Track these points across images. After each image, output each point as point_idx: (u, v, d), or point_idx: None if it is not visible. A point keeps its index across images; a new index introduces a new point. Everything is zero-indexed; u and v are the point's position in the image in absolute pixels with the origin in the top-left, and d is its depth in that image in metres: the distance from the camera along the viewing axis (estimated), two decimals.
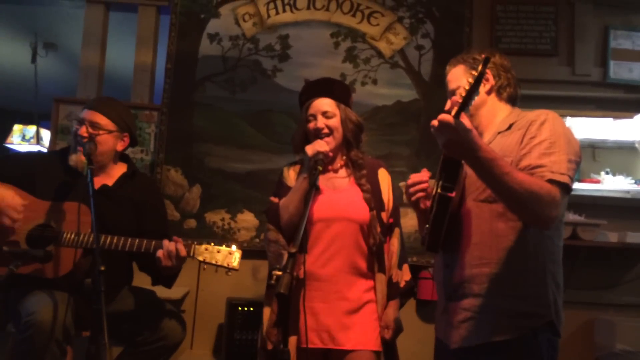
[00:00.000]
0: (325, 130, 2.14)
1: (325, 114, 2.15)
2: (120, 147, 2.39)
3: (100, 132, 2.30)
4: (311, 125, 2.17)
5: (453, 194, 1.59)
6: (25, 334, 1.99)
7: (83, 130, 2.26)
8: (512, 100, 1.85)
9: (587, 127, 3.89)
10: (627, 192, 3.73)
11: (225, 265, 2.13)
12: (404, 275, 2.16)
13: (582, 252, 3.18)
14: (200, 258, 2.12)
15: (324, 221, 2.10)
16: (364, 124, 2.24)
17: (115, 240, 2.13)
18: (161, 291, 2.52)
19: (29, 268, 2.05)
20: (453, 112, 1.46)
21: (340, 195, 2.15)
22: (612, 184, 3.79)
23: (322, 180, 2.17)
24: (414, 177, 1.78)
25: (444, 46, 3.44)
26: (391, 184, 2.25)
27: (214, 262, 2.12)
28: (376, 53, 3.45)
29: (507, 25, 3.58)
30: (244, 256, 3.28)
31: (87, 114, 2.31)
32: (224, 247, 2.15)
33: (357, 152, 2.21)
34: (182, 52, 3.43)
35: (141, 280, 2.53)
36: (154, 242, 2.13)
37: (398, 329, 2.10)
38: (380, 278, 2.12)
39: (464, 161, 1.59)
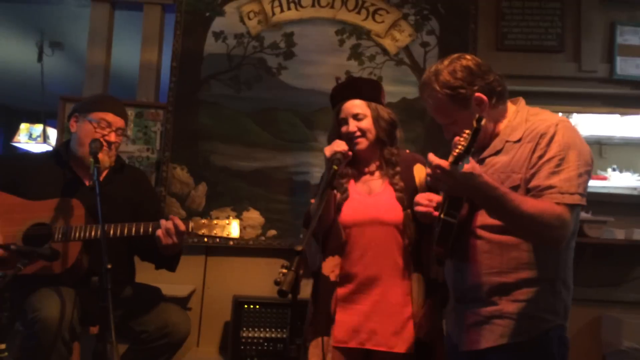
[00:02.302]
0: (358, 133, 2.13)
1: (356, 117, 2.14)
2: None
3: (120, 137, 2.39)
4: (344, 129, 2.15)
5: (456, 221, 1.61)
6: (31, 330, 2.02)
7: (113, 137, 2.32)
8: (505, 98, 1.78)
9: (593, 124, 3.88)
10: (634, 188, 3.72)
11: (225, 235, 2.16)
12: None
13: (588, 249, 3.17)
14: (200, 232, 2.15)
15: (358, 226, 2.10)
16: (397, 120, 2.22)
17: (112, 228, 2.15)
18: (167, 289, 2.54)
19: (35, 266, 2.07)
20: (450, 159, 1.46)
21: (374, 199, 2.14)
22: (619, 180, 3.78)
23: (359, 185, 2.19)
24: (421, 207, 1.83)
25: (450, 43, 3.43)
26: (426, 178, 2.21)
27: (213, 234, 2.15)
28: (381, 50, 3.45)
29: (512, 22, 3.56)
30: (251, 254, 3.32)
31: (116, 121, 2.35)
32: (220, 220, 2.18)
33: (390, 150, 2.18)
34: (188, 50, 3.43)
35: (147, 278, 2.54)
36: (151, 224, 2.15)
37: (435, 327, 2.07)
38: (417, 277, 2.09)
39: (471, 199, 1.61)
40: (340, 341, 2.05)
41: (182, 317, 2.37)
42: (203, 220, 2.17)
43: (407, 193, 2.12)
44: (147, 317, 2.30)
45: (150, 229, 2.15)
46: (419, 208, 1.83)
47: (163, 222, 2.12)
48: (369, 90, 2.21)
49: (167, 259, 2.31)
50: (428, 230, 2.13)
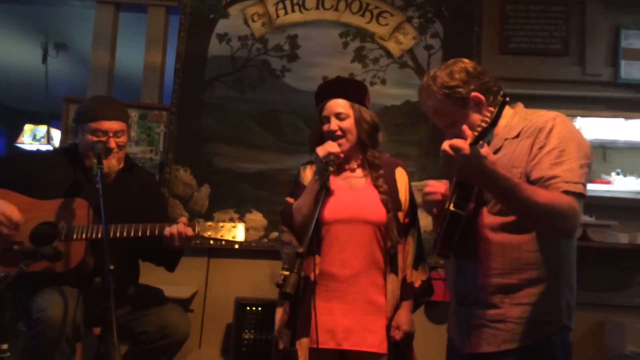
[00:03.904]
0: (339, 133, 2.13)
1: (338, 116, 2.14)
2: None
3: (123, 137, 2.38)
4: (325, 127, 2.16)
5: (464, 213, 1.60)
6: (35, 330, 2.03)
7: (112, 143, 2.31)
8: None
9: (597, 128, 3.86)
10: (638, 192, 3.70)
11: (231, 238, 2.17)
12: (421, 275, 2.13)
13: (592, 253, 3.16)
14: (206, 234, 2.16)
15: (340, 222, 2.10)
16: (379, 124, 2.22)
17: (119, 229, 2.16)
18: (170, 291, 2.53)
19: (38, 266, 2.07)
20: (469, 140, 1.46)
21: (356, 195, 2.14)
22: (622, 184, 3.76)
23: (339, 180, 2.18)
24: (432, 187, 1.79)
25: (454, 46, 3.43)
26: (408, 183, 2.22)
27: (219, 236, 2.16)
28: (385, 53, 3.45)
29: (517, 25, 3.56)
30: (253, 256, 3.32)
31: (111, 126, 2.33)
32: (227, 222, 2.19)
33: (373, 152, 2.19)
34: (192, 52, 3.44)
35: (150, 280, 2.54)
36: (157, 226, 2.17)
37: (409, 330, 2.08)
38: (392, 278, 2.11)
39: (482, 187, 1.60)
40: (316, 341, 2.01)
41: (182, 318, 2.37)
42: (209, 223, 2.18)
43: (390, 196, 2.13)
44: (147, 317, 2.31)
45: (156, 231, 2.16)
46: (428, 189, 1.79)
47: (173, 227, 2.14)
48: (354, 91, 2.21)
49: (167, 257, 2.34)
50: (406, 233, 2.15)
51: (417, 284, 2.12)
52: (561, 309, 1.64)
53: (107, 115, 2.34)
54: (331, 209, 2.10)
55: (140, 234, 2.16)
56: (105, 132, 2.31)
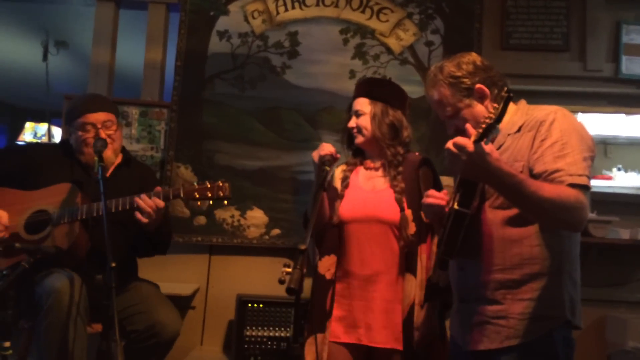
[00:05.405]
0: (355, 130, 2.23)
1: (356, 113, 2.24)
2: None
3: (112, 127, 2.38)
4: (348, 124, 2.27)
5: (469, 211, 1.60)
6: (47, 305, 2.04)
7: (103, 134, 2.32)
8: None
9: (599, 123, 3.87)
10: (639, 188, 3.70)
11: (219, 195, 2.18)
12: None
13: (593, 249, 3.16)
14: (192, 197, 2.18)
15: (357, 221, 2.15)
16: (401, 122, 2.23)
17: (97, 206, 2.18)
18: (171, 288, 2.53)
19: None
20: (473, 138, 1.46)
21: (376, 196, 2.18)
22: (624, 180, 3.77)
23: (364, 180, 2.24)
24: (433, 198, 1.78)
25: (454, 42, 3.42)
26: (434, 181, 2.22)
27: (207, 196, 2.18)
28: (385, 49, 3.44)
29: (517, 21, 3.55)
30: (254, 253, 3.32)
31: (98, 117, 2.34)
32: (212, 182, 2.21)
33: (394, 150, 2.22)
34: (192, 49, 3.43)
35: (151, 276, 2.54)
36: (135, 197, 2.16)
37: (430, 332, 2.07)
38: (408, 278, 2.10)
39: (487, 185, 1.60)
40: (337, 336, 2.08)
41: (171, 317, 2.33)
42: (194, 185, 2.18)
43: (409, 194, 2.14)
44: (138, 316, 2.29)
45: (128, 203, 2.18)
46: (429, 200, 1.79)
47: (143, 197, 2.14)
48: (377, 90, 2.26)
49: (157, 240, 2.34)
50: (426, 233, 2.15)
51: (442, 283, 2.11)
52: (564, 303, 1.63)
53: (91, 108, 2.36)
54: (350, 209, 2.16)
55: (120, 208, 2.17)
56: (93, 125, 2.33)
